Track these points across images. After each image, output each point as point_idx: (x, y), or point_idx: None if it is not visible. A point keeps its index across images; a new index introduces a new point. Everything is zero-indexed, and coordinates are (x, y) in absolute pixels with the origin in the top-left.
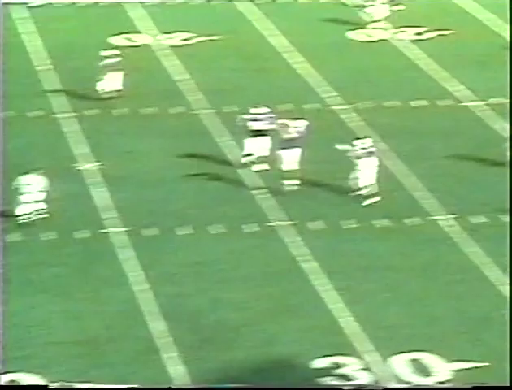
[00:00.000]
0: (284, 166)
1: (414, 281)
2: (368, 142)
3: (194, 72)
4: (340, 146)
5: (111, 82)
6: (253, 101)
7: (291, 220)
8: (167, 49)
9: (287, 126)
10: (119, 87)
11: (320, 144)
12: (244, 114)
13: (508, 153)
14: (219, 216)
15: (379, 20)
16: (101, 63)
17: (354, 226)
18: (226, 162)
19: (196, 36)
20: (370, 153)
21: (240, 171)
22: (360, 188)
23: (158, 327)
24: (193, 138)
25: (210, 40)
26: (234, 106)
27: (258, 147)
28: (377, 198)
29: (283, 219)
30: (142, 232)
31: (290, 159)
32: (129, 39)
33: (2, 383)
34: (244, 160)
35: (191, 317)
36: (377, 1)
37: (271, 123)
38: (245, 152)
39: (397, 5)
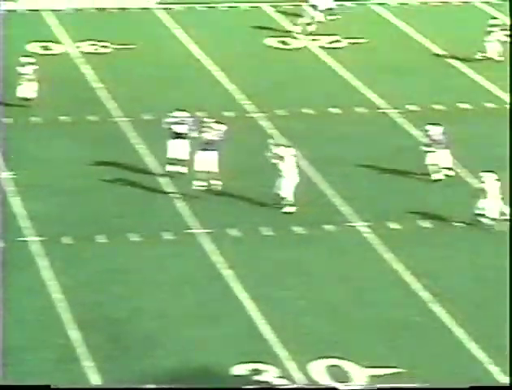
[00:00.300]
0: (197, 167)
1: (332, 288)
2: (291, 151)
3: (112, 80)
4: (272, 141)
5: (27, 90)
6: (171, 109)
7: (210, 227)
8: (84, 57)
9: (211, 128)
10: (35, 95)
11: (238, 150)
12: (166, 118)
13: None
14: (138, 224)
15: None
16: (18, 71)
17: (272, 233)
18: (144, 170)
19: (113, 44)
20: (294, 162)
21: (158, 178)
22: (282, 197)
23: (76, 335)
24: (111, 146)
25: (128, 48)
26: (152, 114)
27: (180, 150)
28: (294, 208)
29: (202, 226)
30: (59, 241)
31: (206, 161)
32: (46, 47)
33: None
34: (168, 168)
35: (109, 325)
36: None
37: (191, 128)
38: (169, 155)
39: (333, 14)
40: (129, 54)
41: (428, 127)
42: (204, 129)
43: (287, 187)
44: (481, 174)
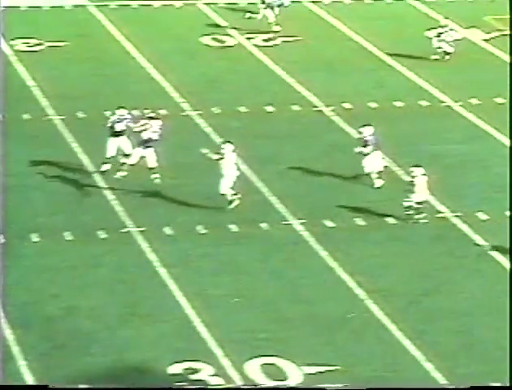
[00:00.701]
0: (132, 162)
1: (267, 285)
2: (230, 147)
3: (47, 77)
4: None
5: None
6: (105, 107)
7: (145, 226)
8: (18, 55)
9: (149, 125)
10: None
11: (173, 148)
12: (107, 116)
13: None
14: (73, 222)
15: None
16: None
17: (207, 231)
18: (79, 168)
19: (47, 41)
20: (234, 158)
21: (93, 176)
22: (223, 194)
23: (11, 334)
24: (45, 144)
25: (61, 45)
26: (88, 112)
27: (122, 146)
28: (236, 202)
29: (137, 225)
30: None
31: (145, 157)
32: None
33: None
34: (104, 167)
35: (43, 324)
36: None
37: (129, 125)
38: (108, 154)
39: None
40: (64, 51)
41: (361, 128)
42: (142, 126)
43: (226, 184)
44: (411, 168)
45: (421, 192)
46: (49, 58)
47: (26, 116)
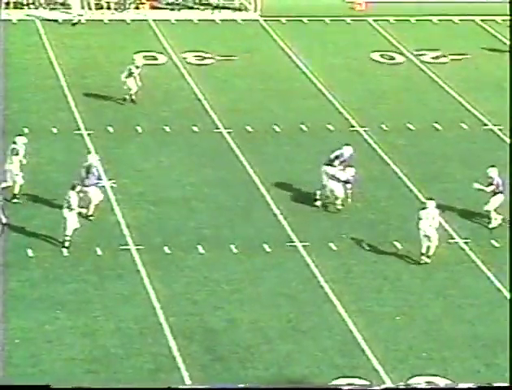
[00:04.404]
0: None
1: (430, 304)
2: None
3: (215, 91)
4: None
5: (133, 84)
6: (274, 121)
7: (310, 241)
8: (189, 67)
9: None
10: (136, 88)
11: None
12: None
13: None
14: (237, 235)
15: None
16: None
17: (371, 247)
18: (246, 181)
19: (217, 55)
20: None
21: (260, 190)
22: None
23: (172, 345)
24: (212, 156)
25: (231, 59)
26: (254, 125)
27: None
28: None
29: (302, 240)
30: (159, 250)
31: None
32: (152, 57)
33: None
34: (317, 203)
35: (205, 336)
36: None
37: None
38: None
39: None
40: (233, 65)
41: (490, 169)
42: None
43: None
44: None
45: None
46: (219, 72)
47: (195, 128)
